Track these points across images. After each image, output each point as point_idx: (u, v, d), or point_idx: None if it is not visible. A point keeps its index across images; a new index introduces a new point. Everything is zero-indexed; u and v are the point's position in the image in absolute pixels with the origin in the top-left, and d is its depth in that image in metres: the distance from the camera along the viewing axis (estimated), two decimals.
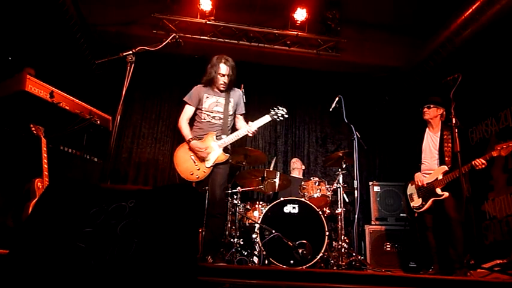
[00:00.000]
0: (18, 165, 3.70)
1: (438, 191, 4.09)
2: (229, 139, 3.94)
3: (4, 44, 4.68)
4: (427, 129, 4.48)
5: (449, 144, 4.20)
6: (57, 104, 3.97)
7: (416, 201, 4.30)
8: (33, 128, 3.71)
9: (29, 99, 3.77)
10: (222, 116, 3.99)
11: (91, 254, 1.76)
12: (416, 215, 4.30)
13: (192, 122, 4.10)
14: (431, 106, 4.38)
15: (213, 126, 3.96)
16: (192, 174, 3.83)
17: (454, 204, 4.02)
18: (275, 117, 4.10)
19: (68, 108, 4.11)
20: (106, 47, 5.88)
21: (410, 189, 4.44)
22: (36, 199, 3.42)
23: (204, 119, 3.98)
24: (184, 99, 4.05)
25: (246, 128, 3.99)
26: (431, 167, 4.31)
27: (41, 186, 3.52)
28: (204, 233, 4.21)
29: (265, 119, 4.07)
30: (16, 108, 3.86)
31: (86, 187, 2.07)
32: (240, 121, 4.18)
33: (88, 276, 1.71)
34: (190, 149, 3.87)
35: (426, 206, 4.19)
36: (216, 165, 3.87)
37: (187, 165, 3.87)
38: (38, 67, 4.15)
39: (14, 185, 3.57)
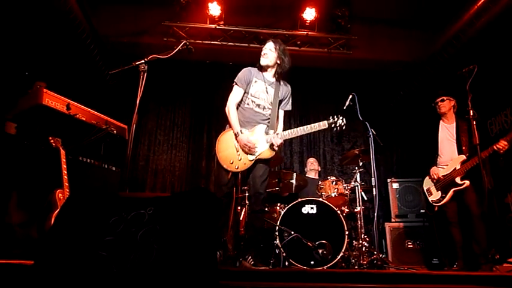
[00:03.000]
0: (39, 177, 3.78)
1: (458, 180, 4.04)
2: (280, 137, 3.63)
3: (20, 59, 4.79)
4: (441, 121, 4.46)
5: (466, 135, 4.18)
6: (74, 116, 4.05)
7: (435, 195, 4.23)
8: (52, 141, 3.79)
9: (47, 112, 3.85)
10: (267, 106, 3.69)
11: (113, 262, 1.79)
12: (436, 209, 4.23)
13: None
14: (445, 99, 4.37)
15: (255, 115, 3.66)
16: (231, 163, 3.53)
17: (475, 197, 3.97)
18: (333, 125, 3.76)
19: (84, 119, 4.18)
20: (119, 57, 5.96)
21: (427, 183, 4.38)
22: (58, 210, 3.48)
23: (248, 104, 3.67)
24: (234, 80, 3.72)
25: (302, 129, 3.70)
26: (448, 158, 4.26)
27: (62, 197, 3.59)
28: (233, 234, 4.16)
29: (322, 125, 3.72)
30: (34, 121, 3.95)
31: (105, 196, 2.10)
32: (281, 117, 3.86)
33: (111, 284, 1.74)
34: (237, 140, 3.56)
35: (447, 198, 4.12)
36: (258, 160, 3.59)
37: (229, 152, 3.56)
38: (53, 80, 4.24)
39: (37, 196, 3.65)
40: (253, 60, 6.56)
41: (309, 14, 5.80)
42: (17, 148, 3.74)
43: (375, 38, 6.28)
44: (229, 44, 6.14)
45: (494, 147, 3.84)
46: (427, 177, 4.40)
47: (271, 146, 3.57)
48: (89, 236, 1.90)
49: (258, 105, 3.68)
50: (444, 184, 4.17)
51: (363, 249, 4.35)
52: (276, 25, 6.05)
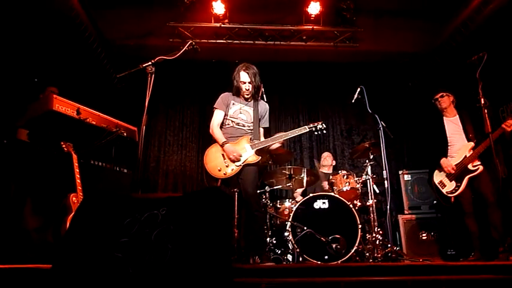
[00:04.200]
0: (53, 182, 3.83)
1: (470, 166, 4.03)
2: (263, 142, 3.94)
3: (29, 66, 4.85)
4: (444, 117, 4.48)
5: (470, 124, 4.23)
6: (84, 120, 4.09)
7: (450, 186, 4.19)
8: (63, 145, 3.84)
9: (57, 117, 3.89)
10: (247, 125, 3.99)
11: (129, 263, 1.81)
12: (453, 199, 4.18)
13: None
14: (444, 95, 4.42)
15: (237, 131, 3.97)
16: (219, 171, 3.81)
17: (490, 185, 3.95)
18: (313, 129, 4.10)
19: (94, 123, 4.22)
20: (126, 60, 5.99)
21: (438, 176, 4.33)
22: (72, 214, 3.53)
23: (228, 124, 3.99)
24: (214, 106, 4.06)
25: (285, 135, 4.03)
26: (458, 148, 4.25)
27: (76, 201, 3.63)
28: (241, 233, 4.23)
29: (303, 129, 4.07)
30: (46, 127, 4.00)
31: (119, 199, 2.12)
32: (260, 134, 4.14)
33: (127, 285, 1.76)
34: (224, 151, 3.86)
35: (462, 187, 4.09)
36: (245, 165, 3.86)
37: (217, 162, 3.85)
38: (62, 85, 4.29)
39: (51, 201, 3.70)
40: (259, 58, 6.61)
41: (314, 8, 5.76)
42: (29, 154, 3.79)
43: (381, 29, 6.21)
44: (235, 42, 6.14)
45: (503, 125, 3.86)
46: (436, 171, 4.36)
47: (256, 151, 3.85)
48: (104, 238, 1.92)
49: (238, 124, 3.98)
50: (457, 173, 4.14)
51: (377, 243, 4.33)
52: (281, 21, 6.02)
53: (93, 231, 1.99)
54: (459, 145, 4.25)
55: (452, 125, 4.38)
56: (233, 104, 4.02)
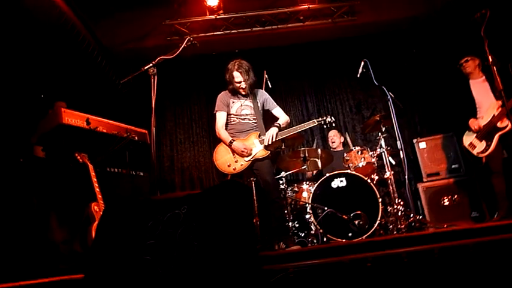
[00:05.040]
0: (73, 193, 3.90)
1: (499, 124, 4.02)
2: (271, 138, 3.96)
3: (35, 83, 4.90)
4: (470, 81, 4.45)
5: (494, 84, 4.13)
6: (95, 129, 4.13)
7: (480, 146, 4.20)
8: (78, 157, 3.89)
9: (68, 130, 3.94)
10: (251, 118, 4.07)
11: (158, 264, 1.84)
12: (484, 160, 4.18)
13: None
14: (469, 59, 4.39)
15: (244, 125, 4.05)
16: (229, 166, 3.92)
17: None
18: (322, 122, 4.17)
19: (105, 131, 4.26)
20: (128, 65, 6.00)
21: (468, 138, 4.33)
22: (96, 222, 3.59)
23: (234, 121, 4.07)
24: (215, 110, 4.14)
25: (293, 129, 4.08)
26: (486, 109, 4.25)
27: (97, 209, 3.69)
28: (261, 222, 4.29)
29: (311, 123, 4.15)
30: (59, 141, 4.06)
31: (139, 203, 2.16)
32: (279, 114, 4.22)
33: (159, 285, 1.80)
34: (232, 149, 3.95)
35: (493, 145, 4.10)
36: (255, 160, 3.94)
37: (226, 157, 3.96)
38: (69, 98, 4.34)
39: (74, 212, 3.78)
40: (259, 44, 6.57)
41: None
42: (47, 169, 3.86)
43: None
44: (233, 31, 6.11)
45: None
46: (466, 133, 4.39)
47: (266, 146, 3.92)
48: (130, 243, 1.96)
49: (243, 119, 4.07)
50: (486, 132, 4.15)
51: (399, 214, 4.32)
52: (276, 4, 5.96)
53: (119, 237, 2.02)
54: (487, 105, 4.24)
55: (479, 87, 4.36)
56: (233, 102, 4.10)
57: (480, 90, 4.35)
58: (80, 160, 3.89)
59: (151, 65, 3.40)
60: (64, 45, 5.15)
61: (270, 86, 5.20)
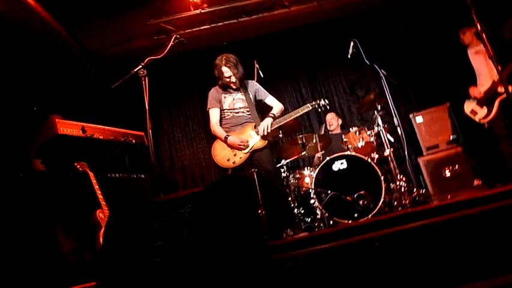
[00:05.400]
0: (77, 203, 3.91)
1: (500, 89, 4.03)
2: (267, 125, 3.96)
3: (25, 95, 4.87)
4: (468, 50, 4.48)
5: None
6: (91, 137, 4.12)
7: (481, 112, 4.26)
8: (77, 166, 3.89)
9: (65, 140, 3.93)
10: (245, 111, 4.06)
11: (168, 265, 1.85)
12: (486, 126, 4.21)
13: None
14: (465, 30, 4.42)
15: (239, 118, 4.04)
16: (228, 160, 3.92)
17: None
18: (316, 106, 4.14)
19: (102, 137, 4.24)
20: (118, 68, 5.94)
21: (469, 105, 4.38)
22: (102, 229, 3.60)
23: (228, 116, 4.07)
24: (207, 107, 4.14)
25: (288, 116, 4.07)
26: (486, 75, 4.27)
27: (103, 216, 3.70)
28: (267, 211, 4.31)
29: (305, 108, 4.12)
30: (56, 152, 4.05)
31: (143, 205, 2.16)
32: (272, 102, 4.22)
33: (171, 286, 1.81)
34: (229, 144, 3.94)
35: (494, 110, 4.13)
36: (254, 151, 3.93)
37: (224, 152, 3.96)
38: (63, 108, 4.31)
39: (80, 221, 3.78)
40: (247, 35, 6.53)
41: None
42: (49, 182, 3.86)
43: None
44: (219, 24, 6.05)
45: None
46: (466, 101, 4.44)
47: (263, 136, 3.91)
48: (138, 246, 1.96)
49: (237, 112, 4.06)
50: (487, 98, 4.18)
51: (402, 190, 4.33)
52: None
53: (126, 242, 2.03)
54: (487, 72, 4.25)
55: (478, 55, 4.37)
56: (224, 97, 4.09)
57: (479, 57, 4.36)
58: (80, 169, 3.89)
59: (140, 66, 3.38)
60: (51, 55, 5.11)
61: (262, 76, 5.19)
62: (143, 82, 3.36)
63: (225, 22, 6.06)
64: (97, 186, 3.84)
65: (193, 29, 6.02)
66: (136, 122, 4.88)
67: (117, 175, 4.47)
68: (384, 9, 6.56)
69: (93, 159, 4.11)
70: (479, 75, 4.38)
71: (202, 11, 5.80)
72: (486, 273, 1.73)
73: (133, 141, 4.56)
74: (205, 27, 6.05)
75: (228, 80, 4.01)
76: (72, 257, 3.72)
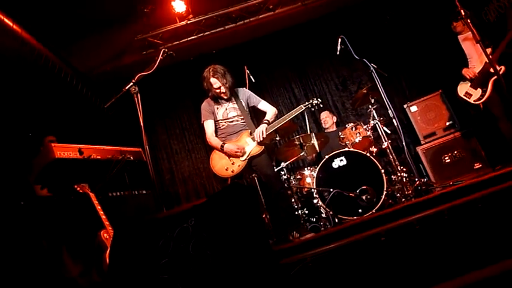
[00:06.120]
0: (80, 225, 3.89)
1: (492, 70, 4.04)
2: (262, 131, 3.95)
3: (19, 122, 4.86)
4: (458, 36, 4.51)
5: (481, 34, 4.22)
6: (89, 158, 4.11)
7: (475, 94, 4.28)
8: (78, 188, 3.88)
9: (63, 164, 3.92)
10: (239, 119, 4.07)
11: (177, 281, 1.85)
12: (482, 106, 4.24)
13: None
14: (458, 18, 4.39)
15: (235, 127, 4.05)
16: (226, 170, 3.93)
17: None
18: (309, 106, 4.16)
19: (99, 157, 4.24)
20: (109, 86, 5.96)
21: (463, 88, 4.42)
22: (108, 250, 3.59)
23: (223, 126, 4.08)
24: (202, 120, 4.15)
25: (283, 119, 4.07)
26: (477, 57, 4.31)
27: (107, 236, 3.69)
28: (271, 216, 4.31)
29: (299, 109, 4.14)
30: (56, 176, 4.04)
31: (147, 223, 2.16)
32: (265, 107, 4.22)
33: None
34: (225, 152, 3.96)
35: (489, 90, 4.16)
36: (251, 158, 3.94)
37: (223, 162, 3.96)
38: (57, 131, 4.30)
39: (85, 244, 3.77)
40: (235, 41, 6.55)
41: None
42: (50, 207, 3.85)
43: None
44: (206, 33, 6.08)
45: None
46: (460, 83, 4.46)
47: (259, 142, 3.91)
48: (145, 264, 1.96)
49: (232, 122, 4.06)
50: (481, 79, 4.20)
51: (404, 181, 4.35)
52: None
53: (133, 260, 2.03)
54: (478, 54, 4.28)
55: (468, 39, 4.39)
56: (217, 108, 4.11)
57: (469, 42, 4.38)
58: (81, 191, 3.88)
59: (131, 84, 3.38)
60: (42, 80, 5.10)
61: (254, 81, 5.20)
62: (136, 99, 3.37)
63: (212, 31, 6.08)
64: (99, 207, 3.83)
65: (181, 41, 6.04)
66: (133, 139, 4.88)
67: (118, 193, 4.46)
68: (368, 1, 6.58)
69: (92, 179, 4.10)
70: (471, 58, 4.40)
71: (188, 21, 5.83)
72: (492, 259, 1.73)
73: (132, 158, 4.55)
74: (193, 37, 6.08)
75: (218, 91, 4.01)
76: (80, 280, 3.71)
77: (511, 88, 3.85)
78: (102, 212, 3.80)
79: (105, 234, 3.67)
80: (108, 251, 3.56)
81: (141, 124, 3.33)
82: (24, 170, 4.13)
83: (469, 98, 4.32)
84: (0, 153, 4.26)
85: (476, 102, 4.26)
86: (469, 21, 3.64)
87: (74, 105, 5.78)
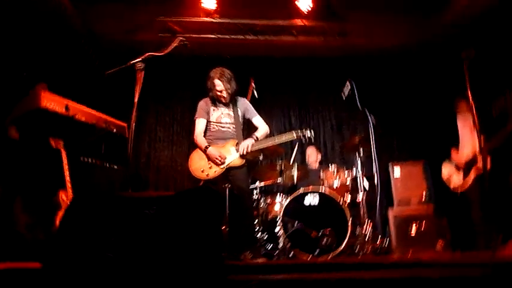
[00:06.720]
0: (42, 179, 3.79)
1: (479, 162, 4.11)
2: (248, 146, 3.97)
3: (17, 60, 4.77)
4: (458, 115, 4.58)
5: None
6: (73, 117, 4.03)
7: (457, 180, 4.32)
8: (52, 142, 3.79)
9: (46, 114, 3.82)
10: (231, 127, 4.09)
11: (119, 263, 1.80)
12: (459, 194, 4.31)
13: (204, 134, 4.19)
14: (461, 99, 4.49)
15: (224, 133, 4.07)
16: (202, 172, 3.93)
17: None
18: (301, 136, 4.16)
19: (83, 119, 4.15)
20: (115, 55, 5.92)
21: (446, 169, 4.48)
22: (61, 211, 3.50)
23: (214, 128, 4.09)
24: (195, 117, 4.16)
25: (271, 139, 4.13)
26: (469, 145, 4.34)
27: (65, 198, 3.60)
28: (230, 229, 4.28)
29: (290, 136, 4.15)
30: (35, 124, 3.94)
31: (109, 198, 2.12)
32: (258, 123, 4.25)
33: (118, 284, 1.76)
34: (207, 155, 3.94)
35: (469, 181, 4.20)
36: (230, 168, 3.94)
37: (201, 163, 3.96)
38: (51, 80, 4.22)
39: (41, 198, 3.67)
40: (249, 52, 6.58)
41: (304, 2, 5.73)
42: (19, 152, 3.75)
43: (371, 23, 6.18)
44: (225, 36, 6.11)
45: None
46: (446, 163, 4.53)
47: (242, 155, 3.93)
48: (94, 238, 1.91)
49: (223, 127, 4.09)
50: (466, 167, 4.27)
51: (367, 237, 4.38)
52: (271, 15, 5.99)
53: (83, 230, 1.97)
54: (468, 143, 4.34)
55: (466, 122, 4.45)
56: (213, 110, 4.12)
57: (466, 125, 4.45)
58: (54, 145, 3.79)
59: (139, 59, 3.36)
60: (53, 27, 5.04)
61: (257, 96, 5.21)
62: (138, 75, 3.34)
63: (232, 36, 6.12)
64: (67, 167, 3.74)
65: (200, 35, 6.05)
66: (121, 113, 4.81)
67: (90, 160, 4.37)
68: (385, 56, 6.74)
69: (69, 139, 4.02)
70: (462, 140, 4.48)
71: (213, 20, 5.85)
72: None
73: (114, 130, 4.47)
74: (212, 36, 6.10)
75: (218, 93, 4.03)
76: (26, 233, 3.59)
77: (492, 181, 3.96)
78: (68, 173, 3.71)
79: (63, 196, 3.59)
80: (60, 212, 3.47)
81: (135, 101, 3.30)
82: (6, 107, 4.03)
83: (449, 184, 4.41)
84: None
85: (455, 190, 4.34)
86: (473, 105, 3.73)
87: (75, 62, 5.71)
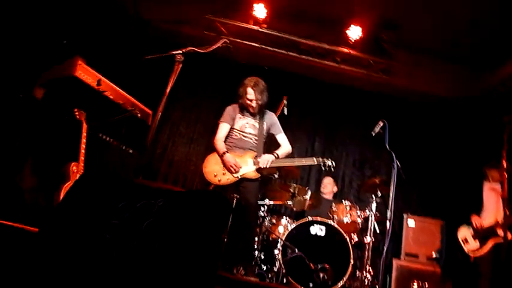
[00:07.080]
0: (57, 146, 3.79)
1: (500, 231, 3.90)
2: (268, 162, 3.91)
3: (61, 28, 4.82)
4: (485, 182, 4.44)
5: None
6: (103, 93, 4.04)
7: (473, 244, 4.15)
8: (77, 113, 3.80)
9: (78, 84, 3.86)
10: (253, 138, 4.04)
11: (114, 246, 1.76)
12: (472, 259, 4.12)
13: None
14: (492, 167, 4.32)
15: (245, 142, 4.01)
16: (215, 176, 3.85)
17: None
18: (321, 163, 4.09)
19: (112, 97, 4.17)
20: (157, 43, 5.97)
21: (463, 232, 4.30)
22: (69, 182, 3.47)
23: (236, 136, 4.04)
24: (219, 120, 4.12)
25: (290, 161, 4.13)
26: (492, 212, 4.17)
27: (75, 170, 3.57)
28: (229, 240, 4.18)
29: (310, 160, 4.12)
30: (64, 91, 3.97)
31: (118, 180, 2.07)
32: (282, 141, 4.20)
33: (108, 267, 1.70)
34: (223, 161, 3.88)
35: (486, 249, 4.04)
36: (243, 179, 3.87)
37: (215, 168, 3.88)
38: (90, 54, 4.25)
39: (50, 165, 3.65)
40: (287, 68, 6.53)
41: (354, 32, 5.68)
42: (41, 114, 3.76)
43: (416, 67, 6.10)
44: (268, 48, 6.09)
45: None
46: (463, 226, 4.37)
47: (259, 169, 3.88)
48: (96, 216, 1.87)
49: (245, 136, 4.03)
50: (484, 234, 4.09)
51: (365, 282, 4.20)
52: (318, 37, 5.94)
53: (86, 207, 1.94)
54: (495, 209, 4.16)
55: (492, 190, 4.31)
56: (239, 117, 4.08)
57: (492, 194, 4.31)
58: (77, 116, 3.80)
59: (180, 52, 3.34)
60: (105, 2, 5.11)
61: (286, 114, 5.12)
62: (176, 67, 3.31)
63: (275, 49, 6.09)
64: (84, 140, 3.75)
65: (244, 42, 6.05)
66: (149, 100, 4.80)
67: (108, 139, 4.36)
68: (423, 103, 6.59)
69: (94, 113, 4.02)
70: (486, 209, 4.33)
71: (260, 29, 5.85)
72: None
73: (139, 115, 4.48)
74: (255, 45, 6.08)
75: (248, 102, 3.98)
76: (27, 194, 3.58)
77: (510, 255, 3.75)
78: (84, 146, 3.70)
79: (74, 167, 3.57)
80: (67, 184, 3.44)
81: (167, 91, 3.26)
82: (40, 68, 4.06)
83: (465, 245, 4.24)
84: (31, 40, 4.20)
85: (470, 254, 4.17)
86: (506, 175, 3.56)
87: (117, 42, 5.77)
